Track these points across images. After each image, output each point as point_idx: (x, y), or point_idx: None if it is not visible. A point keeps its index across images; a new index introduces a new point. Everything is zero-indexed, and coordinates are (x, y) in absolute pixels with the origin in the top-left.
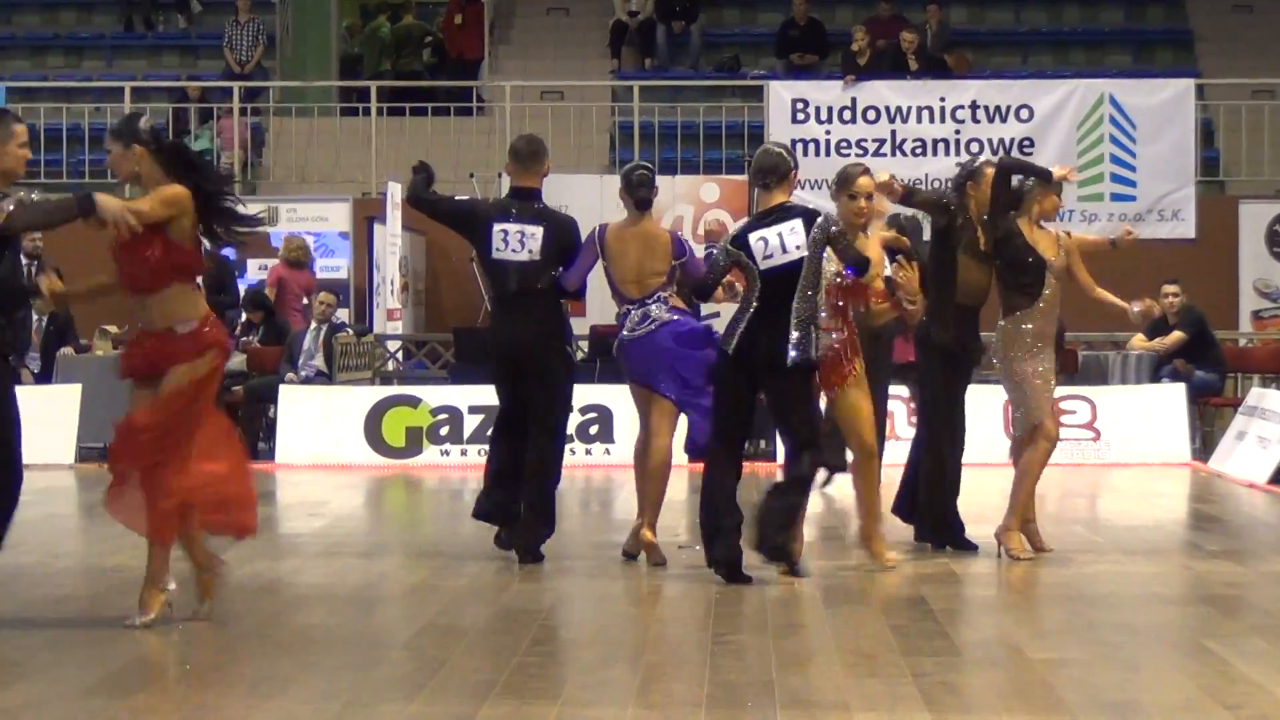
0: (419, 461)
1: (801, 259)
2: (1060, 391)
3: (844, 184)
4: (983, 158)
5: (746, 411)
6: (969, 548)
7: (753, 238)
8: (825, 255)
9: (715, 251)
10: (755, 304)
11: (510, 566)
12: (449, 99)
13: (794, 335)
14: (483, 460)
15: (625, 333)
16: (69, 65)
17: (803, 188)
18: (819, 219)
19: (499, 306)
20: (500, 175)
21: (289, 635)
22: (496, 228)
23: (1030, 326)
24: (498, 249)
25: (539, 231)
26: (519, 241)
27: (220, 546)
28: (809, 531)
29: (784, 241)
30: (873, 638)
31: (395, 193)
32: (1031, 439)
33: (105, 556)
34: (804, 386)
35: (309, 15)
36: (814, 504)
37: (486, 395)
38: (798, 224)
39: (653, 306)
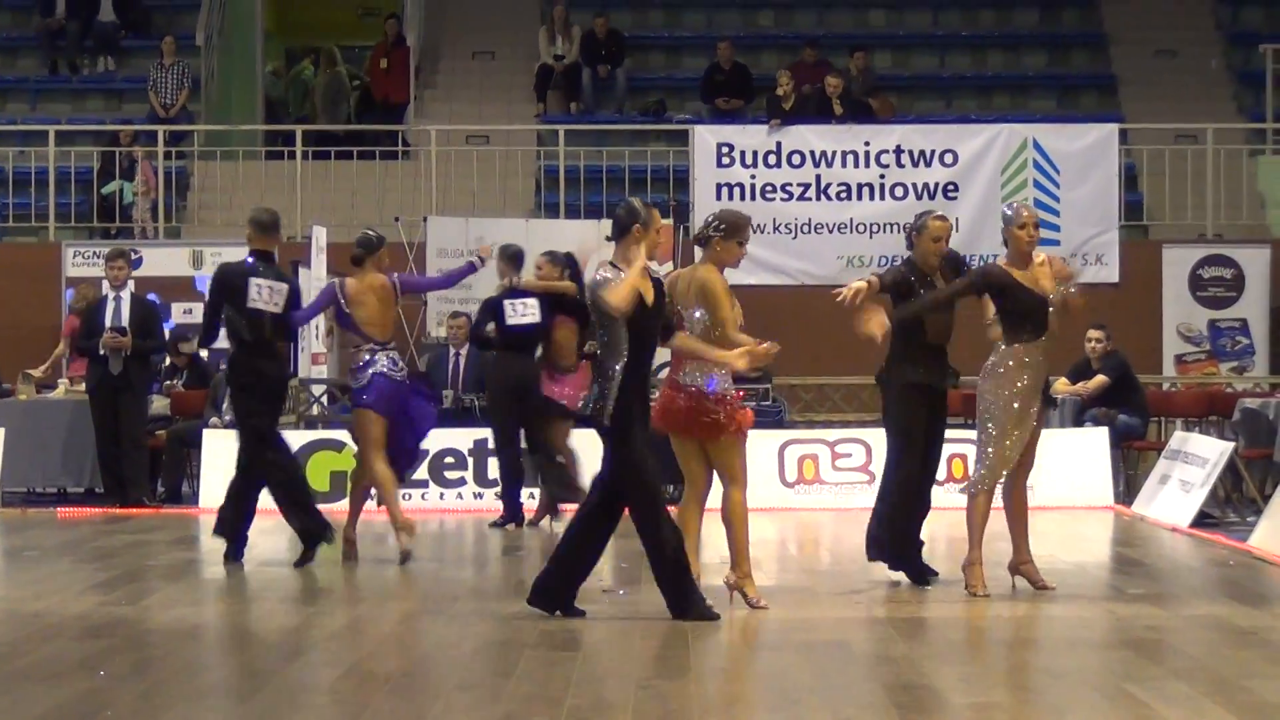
0: (344, 506)
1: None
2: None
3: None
4: (927, 213)
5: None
6: (930, 573)
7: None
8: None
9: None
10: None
11: (435, 610)
12: (374, 143)
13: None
14: (408, 504)
15: (387, 371)
16: None
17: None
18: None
19: (259, 349)
20: (425, 219)
21: (212, 681)
22: (252, 282)
23: (1029, 361)
24: (252, 299)
25: (285, 288)
26: (269, 295)
27: (144, 592)
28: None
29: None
30: (796, 682)
31: (320, 237)
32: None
33: (27, 601)
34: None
35: (234, 59)
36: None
37: None
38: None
39: (393, 351)
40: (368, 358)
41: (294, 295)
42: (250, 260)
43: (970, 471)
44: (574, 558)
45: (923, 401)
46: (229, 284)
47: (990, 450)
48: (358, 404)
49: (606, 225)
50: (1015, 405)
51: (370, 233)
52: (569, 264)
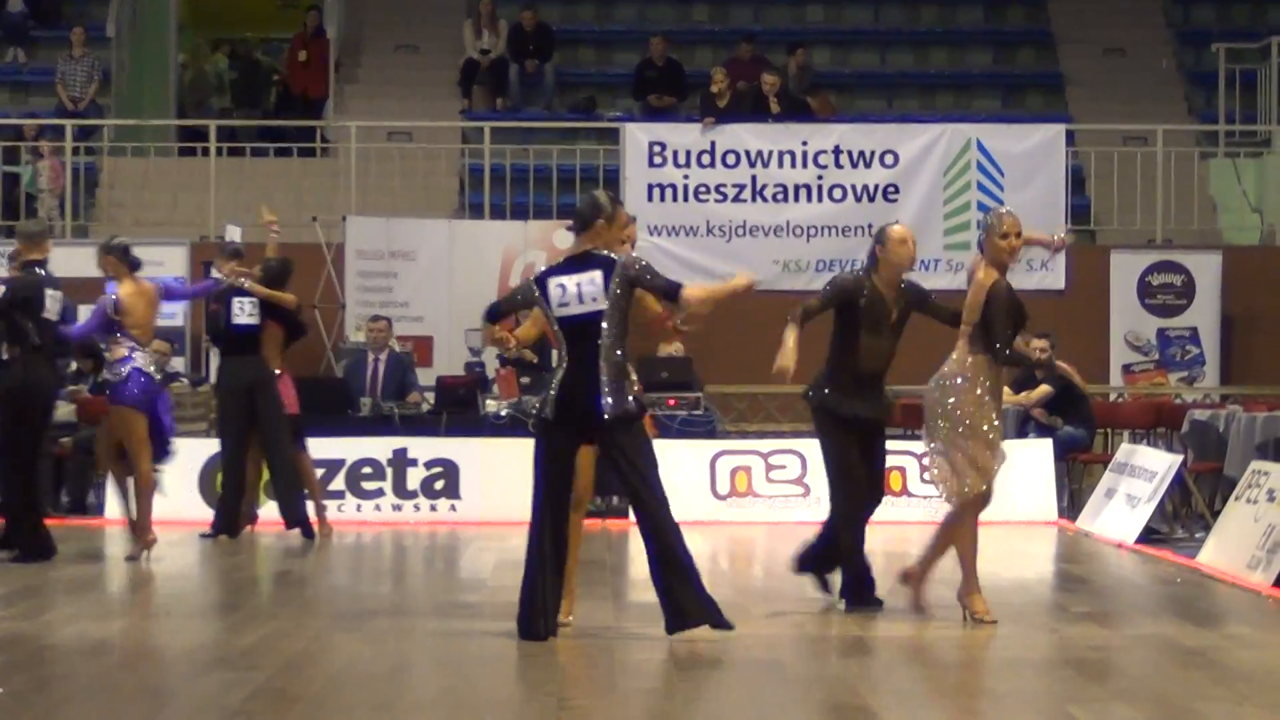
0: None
1: (600, 310)
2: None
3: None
4: (892, 223)
5: (570, 475)
6: (875, 604)
7: (552, 283)
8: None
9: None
10: (565, 361)
11: (350, 628)
12: (292, 139)
13: (605, 389)
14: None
15: (143, 367)
16: None
17: (659, 234)
18: (617, 264)
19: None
20: (344, 219)
21: (116, 700)
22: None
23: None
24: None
25: (59, 295)
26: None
27: (45, 607)
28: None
29: (581, 291)
30: (727, 703)
31: (235, 236)
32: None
33: None
34: (630, 438)
35: (146, 51)
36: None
37: (326, 448)
38: (596, 275)
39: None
40: (126, 354)
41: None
42: (42, 270)
43: (941, 487)
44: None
45: (853, 433)
46: (28, 293)
47: (969, 457)
48: (119, 400)
49: (532, 226)
50: (987, 404)
51: (116, 242)
52: (272, 270)
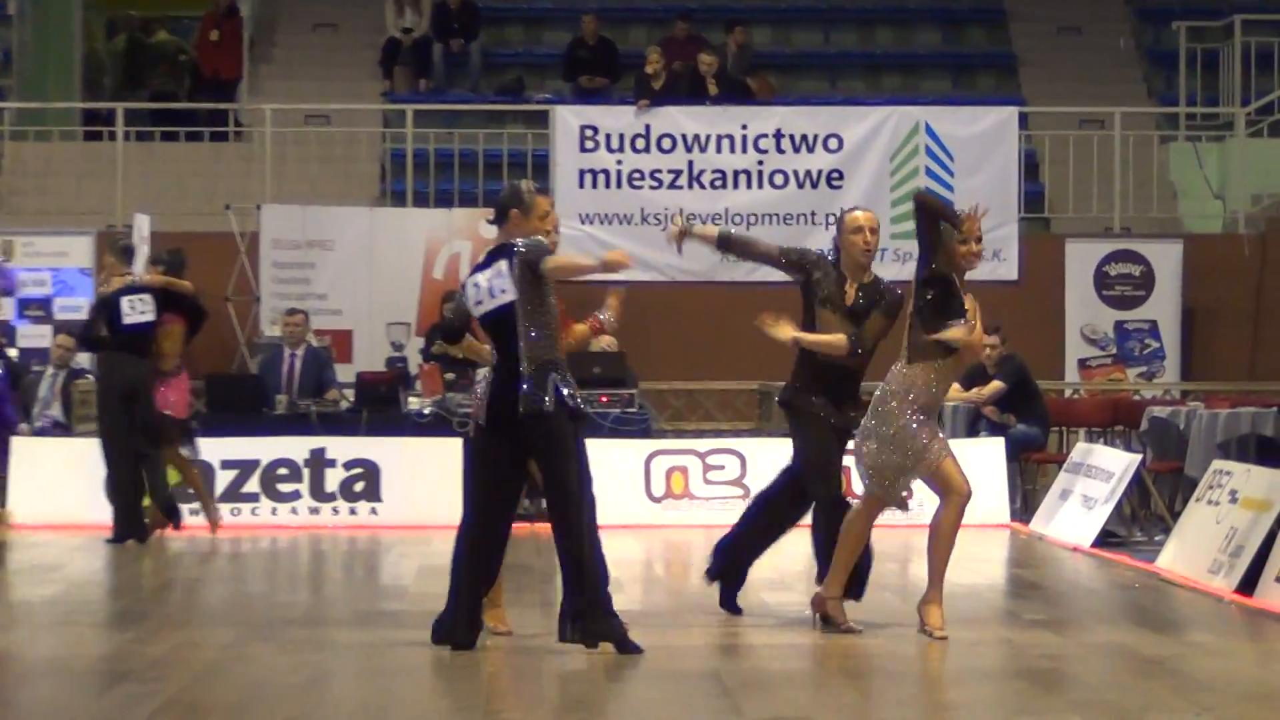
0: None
1: (510, 302)
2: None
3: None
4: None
5: (510, 482)
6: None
7: (469, 283)
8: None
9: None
10: (494, 360)
11: (265, 637)
12: (203, 123)
13: (524, 384)
14: (237, 519)
15: None
16: None
17: (591, 222)
18: (516, 248)
19: None
20: (258, 207)
21: (16, 716)
22: None
23: (935, 384)
24: None
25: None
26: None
27: None
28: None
29: (492, 286)
30: (661, 715)
31: (143, 226)
32: (944, 499)
33: None
34: (549, 438)
35: (50, 31)
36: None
37: (239, 448)
38: (503, 265)
39: None
40: None
41: None
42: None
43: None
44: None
45: (829, 431)
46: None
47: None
48: None
49: (458, 214)
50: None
51: None
52: (173, 262)
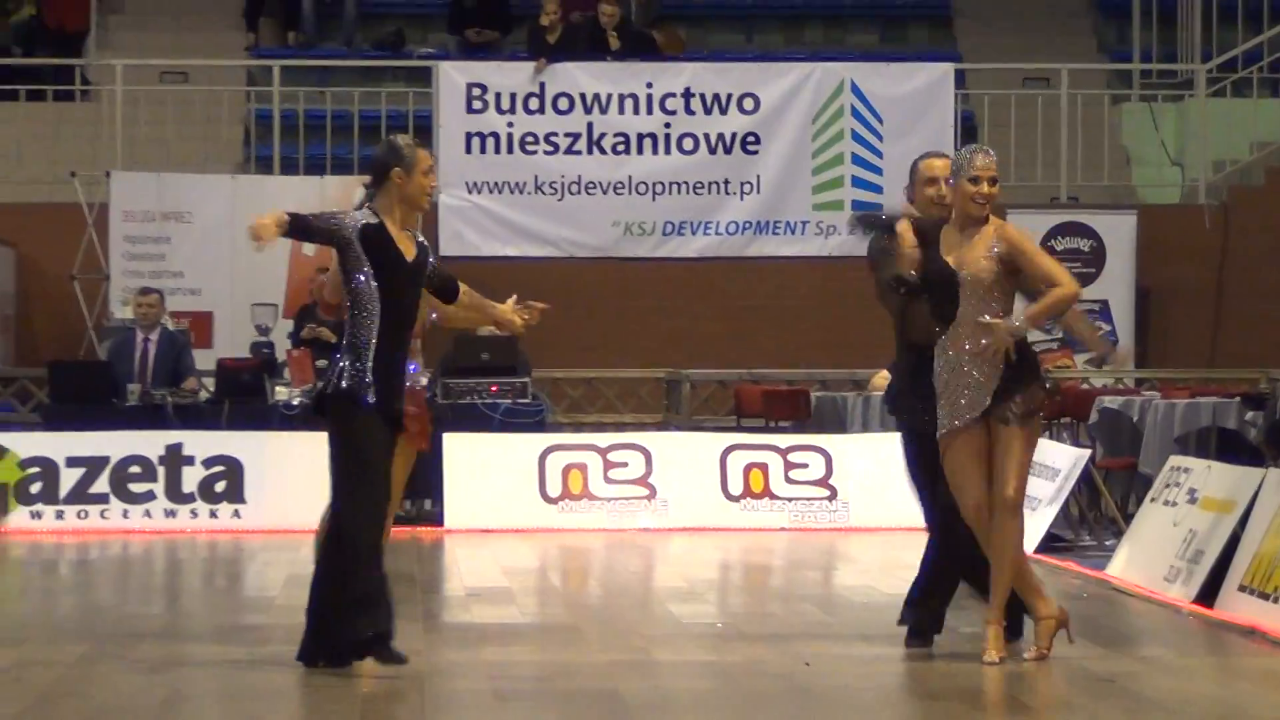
0: (4, 525)
1: None
2: (789, 441)
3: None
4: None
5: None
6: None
7: None
8: None
9: None
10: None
11: (116, 654)
12: (46, 81)
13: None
14: (84, 523)
15: None
16: None
17: (479, 191)
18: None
19: None
20: (108, 175)
21: None
22: None
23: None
24: None
25: None
26: None
27: None
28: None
29: None
30: None
31: None
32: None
33: None
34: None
35: None
36: None
37: (86, 444)
38: None
39: None
40: None
41: None
42: None
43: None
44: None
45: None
46: None
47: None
48: None
49: (331, 182)
50: None
51: None
52: None
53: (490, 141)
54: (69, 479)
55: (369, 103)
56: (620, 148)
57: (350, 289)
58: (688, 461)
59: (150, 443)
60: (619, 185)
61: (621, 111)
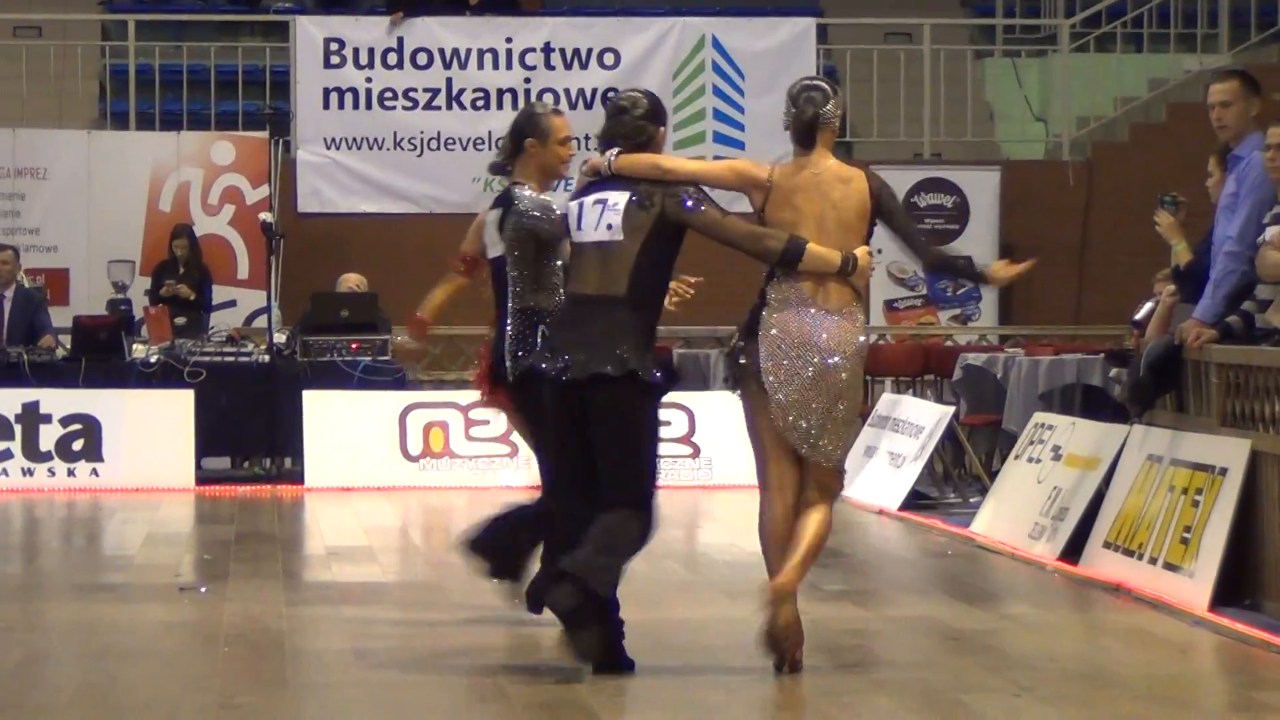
0: None
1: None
2: None
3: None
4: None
5: None
6: None
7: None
8: None
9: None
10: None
11: None
12: None
13: None
14: None
15: None
16: None
17: (337, 147)
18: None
19: None
20: None
21: None
22: None
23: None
24: None
25: None
26: None
27: None
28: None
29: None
30: (406, 700)
31: None
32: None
33: None
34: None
35: None
36: None
37: None
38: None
39: None
40: None
41: None
42: None
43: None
44: None
45: None
46: None
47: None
48: None
49: (187, 138)
50: None
51: None
52: None
53: (349, 97)
54: None
55: (225, 57)
56: (480, 103)
57: (547, 266)
58: None
59: (6, 401)
60: (479, 141)
61: (481, 67)
